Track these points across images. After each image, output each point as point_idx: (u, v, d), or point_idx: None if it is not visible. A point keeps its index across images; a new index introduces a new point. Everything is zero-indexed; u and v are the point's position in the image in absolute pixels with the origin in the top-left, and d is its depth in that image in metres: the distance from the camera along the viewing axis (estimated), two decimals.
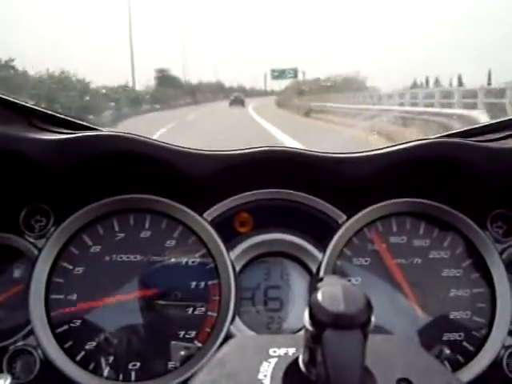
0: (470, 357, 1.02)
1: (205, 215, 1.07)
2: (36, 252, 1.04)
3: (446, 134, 1.13)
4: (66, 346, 1.02)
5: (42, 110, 1.04)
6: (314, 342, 0.50)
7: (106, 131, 1.05)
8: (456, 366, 1.01)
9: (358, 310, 0.49)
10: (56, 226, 1.05)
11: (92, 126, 1.10)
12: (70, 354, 1.01)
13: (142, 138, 1.01)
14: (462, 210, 1.07)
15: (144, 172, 1.05)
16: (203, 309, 1.05)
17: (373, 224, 1.08)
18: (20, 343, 1.01)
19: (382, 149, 1.05)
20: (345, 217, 1.07)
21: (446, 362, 1.00)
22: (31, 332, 1.01)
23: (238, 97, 40.23)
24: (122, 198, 1.07)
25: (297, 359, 0.55)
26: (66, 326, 1.03)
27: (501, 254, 1.06)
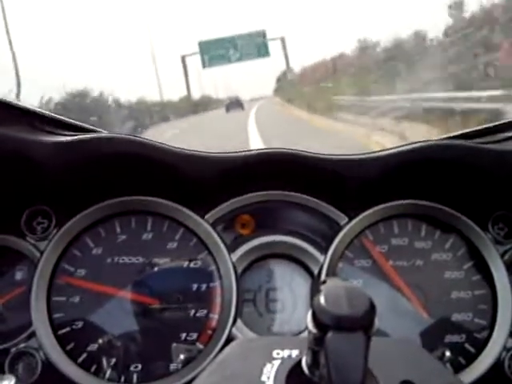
0: (471, 359, 1.02)
1: (206, 217, 1.07)
2: (38, 254, 1.04)
3: (447, 135, 1.13)
4: (68, 347, 1.02)
5: (43, 112, 1.05)
6: (317, 344, 0.51)
7: (107, 133, 1.05)
8: (458, 368, 1.01)
9: (361, 313, 0.50)
10: (58, 227, 1.06)
11: (94, 128, 1.10)
12: (72, 356, 1.01)
13: (144, 140, 1.01)
14: (464, 211, 1.07)
15: (145, 174, 1.06)
16: (205, 311, 1.05)
17: (374, 226, 1.08)
18: (22, 345, 1.01)
19: (383, 150, 1.06)
20: (346, 219, 1.07)
21: (447, 364, 1.00)
22: (33, 334, 1.01)
23: (235, 99, 31.77)
24: (124, 200, 1.07)
25: (300, 361, 0.55)
26: (67, 328, 1.03)
27: (502, 255, 1.06)
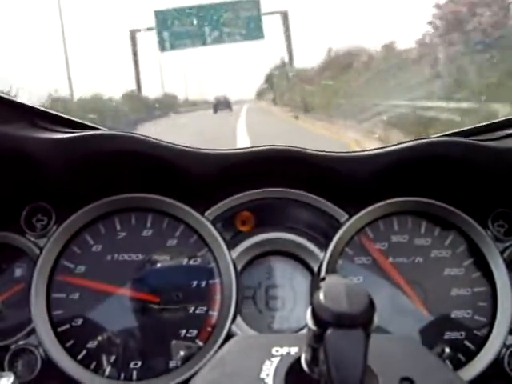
0: (471, 356, 1.02)
1: (206, 214, 1.07)
2: (37, 251, 1.04)
3: (447, 133, 1.13)
4: (68, 344, 1.02)
5: (43, 109, 1.04)
6: (317, 341, 0.51)
7: (107, 130, 1.05)
8: (457, 365, 1.01)
9: (360, 310, 0.50)
10: (57, 224, 1.05)
11: (93, 125, 1.10)
12: (72, 353, 1.01)
13: (144, 137, 1.01)
14: (464, 208, 1.07)
15: (146, 171, 1.06)
16: (204, 308, 1.05)
17: (374, 223, 1.08)
18: (22, 342, 1.01)
19: (383, 148, 1.05)
20: (346, 216, 1.07)
21: (447, 361, 1.00)
22: (33, 331, 1.01)
23: (223, 98, 29.12)
24: (124, 197, 1.07)
25: (299, 358, 0.55)
26: (67, 325, 1.03)
27: (502, 252, 1.06)
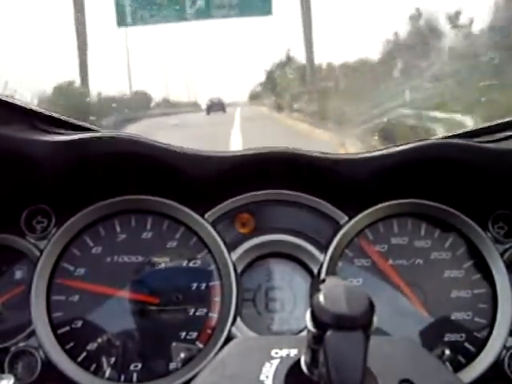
0: (471, 358, 1.02)
1: (206, 216, 1.07)
2: (37, 253, 1.04)
3: (447, 135, 1.13)
4: (68, 347, 1.02)
5: (42, 111, 1.05)
6: (316, 343, 0.51)
7: (107, 132, 1.05)
8: (457, 367, 1.01)
9: (360, 312, 0.50)
10: (57, 227, 1.05)
11: (92, 127, 1.10)
12: (72, 355, 1.01)
13: (143, 140, 1.01)
14: (464, 210, 1.07)
15: (145, 173, 1.06)
16: (204, 310, 1.05)
17: (374, 225, 1.08)
18: (22, 344, 1.01)
19: (383, 149, 1.05)
20: (346, 218, 1.07)
21: (447, 363, 1.00)
22: (33, 333, 1.01)
23: (217, 99, 27.87)
24: (124, 199, 1.07)
25: (299, 360, 0.55)
26: (67, 327, 1.03)
27: (502, 254, 1.06)
